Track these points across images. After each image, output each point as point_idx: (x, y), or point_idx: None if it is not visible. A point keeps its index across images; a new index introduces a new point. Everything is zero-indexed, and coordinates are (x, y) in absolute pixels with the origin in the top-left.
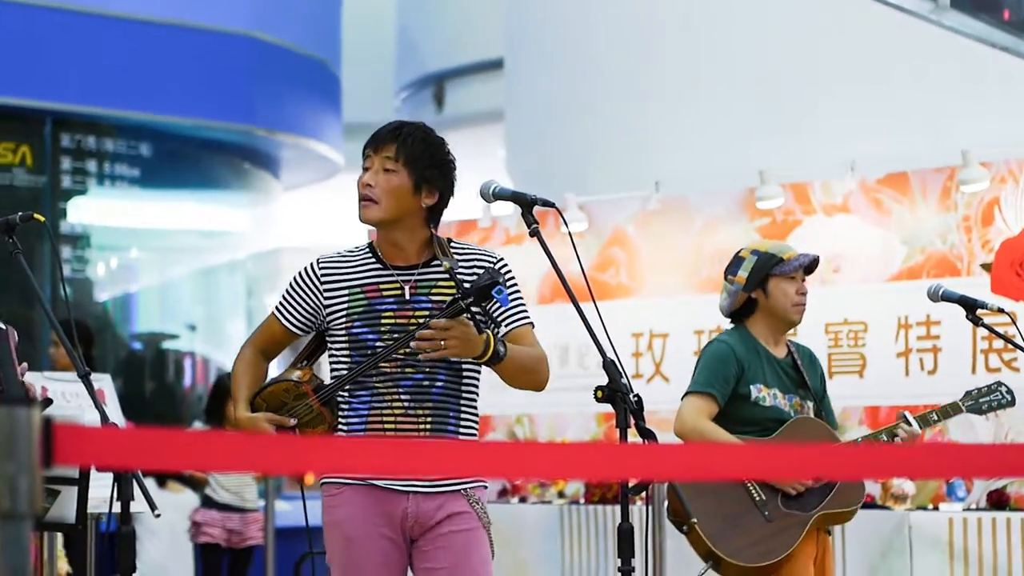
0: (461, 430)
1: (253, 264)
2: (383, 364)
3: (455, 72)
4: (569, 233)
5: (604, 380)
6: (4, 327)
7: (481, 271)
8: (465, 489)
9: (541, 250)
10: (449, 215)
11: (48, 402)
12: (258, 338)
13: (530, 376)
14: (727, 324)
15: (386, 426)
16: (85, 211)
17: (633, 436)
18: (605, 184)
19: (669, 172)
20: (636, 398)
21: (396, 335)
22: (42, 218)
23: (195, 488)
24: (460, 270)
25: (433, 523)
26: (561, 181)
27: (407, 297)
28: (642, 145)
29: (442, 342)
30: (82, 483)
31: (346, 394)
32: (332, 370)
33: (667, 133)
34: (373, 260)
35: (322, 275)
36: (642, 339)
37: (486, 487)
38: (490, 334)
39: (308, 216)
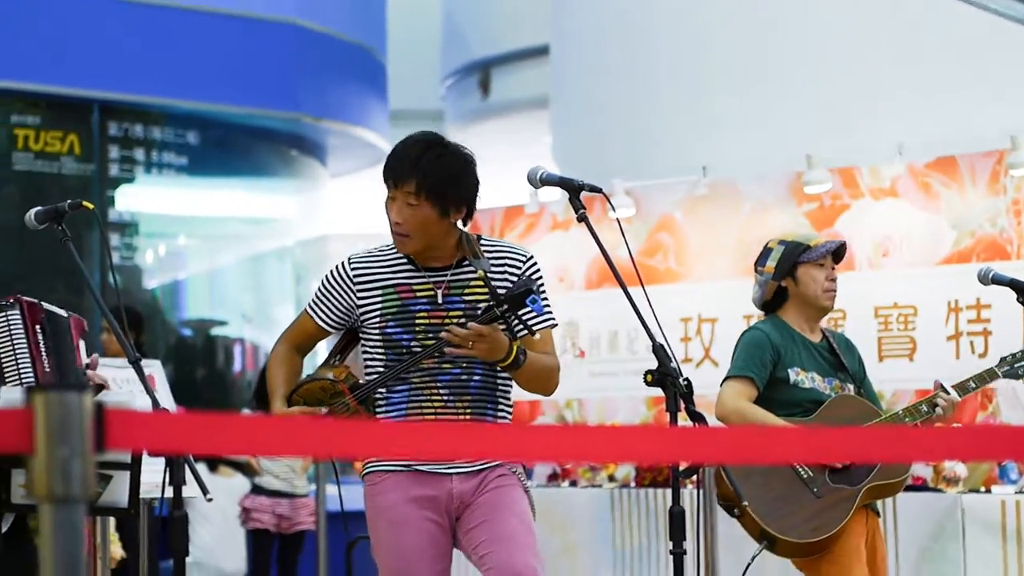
0: (499, 420)
1: (301, 251)
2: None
3: (501, 59)
4: (617, 219)
5: (653, 364)
6: (67, 315)
7: (512, 267)
8: (504, 463)
9: (589, 235)
10: (496, 201)
11: (101, 388)
12: (292, 335)
13: (540, 384)
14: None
15: (426, 419)
16: (133, 199)
17: (683, 420)
18: (652, 169)
19: (717, 157)
20: (686, 382)
21: (430, 335)
22: (91, 206)
23: (246, 473)
24: (491, 271)
25: (474, 493)
26: (608, 167)
27: (440, 300)
28: (690, 130)
29: (470, 344)
30: (134, 468)
31: (383, 390)
32: (366, 366)
33: (715, 118)
34: (405, 260)
35: (354, 275)
36: (691, 324)
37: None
38: (517, 344)
39: (355, 203)
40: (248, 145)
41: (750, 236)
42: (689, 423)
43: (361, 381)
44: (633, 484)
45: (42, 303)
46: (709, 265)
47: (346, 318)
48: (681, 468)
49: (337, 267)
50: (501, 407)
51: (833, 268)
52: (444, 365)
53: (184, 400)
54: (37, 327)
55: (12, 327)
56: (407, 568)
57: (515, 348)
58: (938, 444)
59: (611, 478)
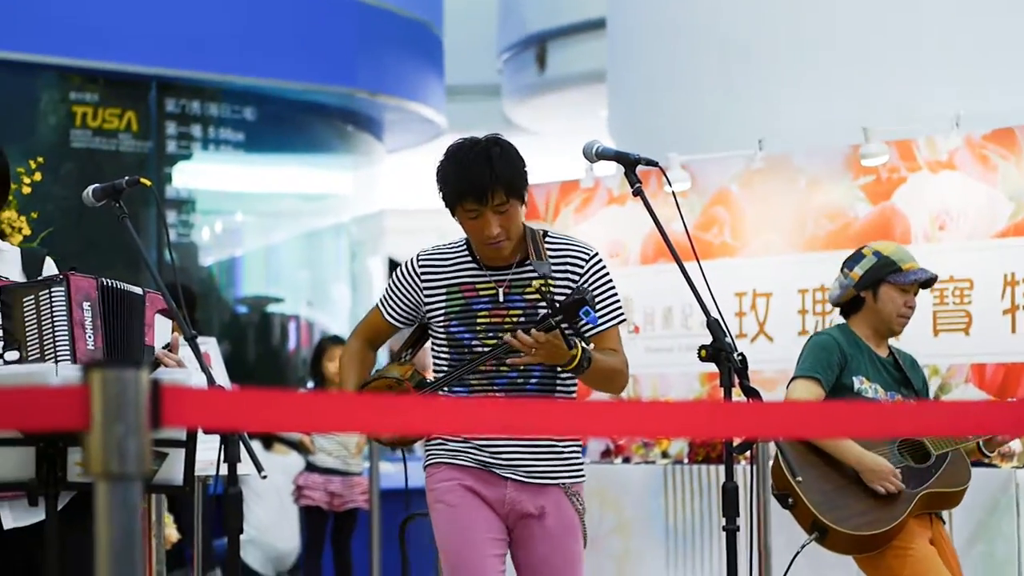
0: None
1: (357, 227)
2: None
3: (557, 32)
4: (672, 192)
5: (708, 339)
6: (141, 292)
7: (574, 266)
8: (564, 484)
9: (644, 210)
10: (552, 175)
11: (156, 364)
12: (363, 329)
13: (607, 385)
14: (830, 281)
15: None
16: (190, 176)
17: (737, 395)
18: (708, 143)
19: (773, 130)
20: (740, 357)
21: (491, 334)
22: (149, 182)
23: (299, 451)
24: (552, 272)
25: (529, 512)
26: (664, 140)
27: (501, 299)
28: (745, 103)
29: (532, 351)
30: (189, 445)
31: (445, 390)
32: (434, 362)
33: (770, 91)
34: (469, 259)
35: (421, 272)
36: (745, 298)
37: (583, 478)
38: (580, 349)
39: (411, 179)
40: (304, 121)
41: (806, 210)
42: (743, 398)
43: (428, 377)
44: (686, 460)
45: (106, 280)
46: (765, 239)
47: (414, 314)
48: (735, 444)
49: (406, 264)
50: None
51: (915, 296)
52: (501, 368)
53: (239, 378)
54: (85, 304)
55: (54, 303)
56: (465, 547)
57: (579, 353)
58: (988, 418)
59: (664, 454)
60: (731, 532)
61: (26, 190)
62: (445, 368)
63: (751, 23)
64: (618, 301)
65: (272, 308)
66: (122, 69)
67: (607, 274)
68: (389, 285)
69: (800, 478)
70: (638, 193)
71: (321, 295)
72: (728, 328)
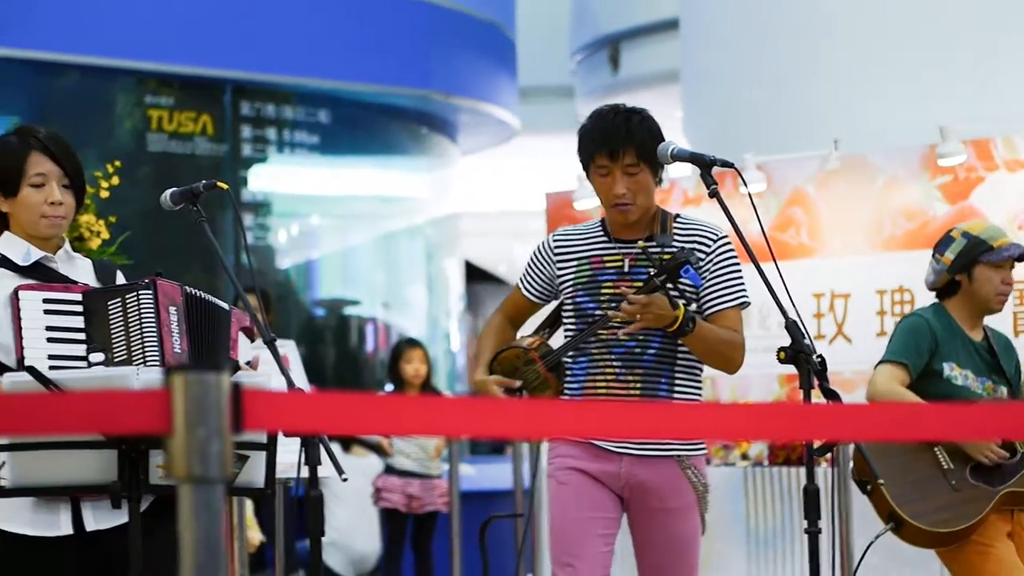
0: (675, 394)
1: (432, 229)
2: (600, 332)
3: (630, 33)
4: (748, 193)
5: (786, 341)
6: (228, 308)
7: (702, 246)
8: (680, 456)
9: (720, 211)
10: None
11: (236, 368)
12: (505, 306)
13: (720, 356)
14: (908, 281)
15: (599, 391)
16: (265, 179)
17: (816, 397)
18: (783, 143)
19: (848, 130)
20: (819, 358)
21: (614, 305)
22: (225, 186)
23: (378, 454)
24: (673, 243)
25: (644, 490)
26: (739, 141)
27: (626, 269)
28: (821, 103)
29: (638, 316)
30: (270, 448)
31: (570, 361)
32: (565, 335)
33: (846, 91)
34: (601, 233)
35: (555, 247)
36: (823, 299)
37: (704, 453)
38: (683, 310)
39: (485, 180)
40: (379, 123)
41: (883, 210)
42: (823, 400)
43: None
44: (766, 462)
45: (190, 288)
46: (842, 240)
47: (548, 288)
48: (815, 446)
49: (544, 240)
50: (679, 383)
51: (1011, 271)
52: (621, 338)
53: (316, 380)
54: (171, 308)
55: (143, 308)
56: (569, 525)
57: (681, 314)
58: None
59: (744, 456)
60: (813, 535)
61: (104, 194)
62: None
63: (825, 22)
64: (741, 284)
65: (349, 311)
66: (197, 73)
67: (733, 257)
68: (528, 262)
69: (882, 480)
70: (714, 195)
71: (397, 297)
72: (806, 329)
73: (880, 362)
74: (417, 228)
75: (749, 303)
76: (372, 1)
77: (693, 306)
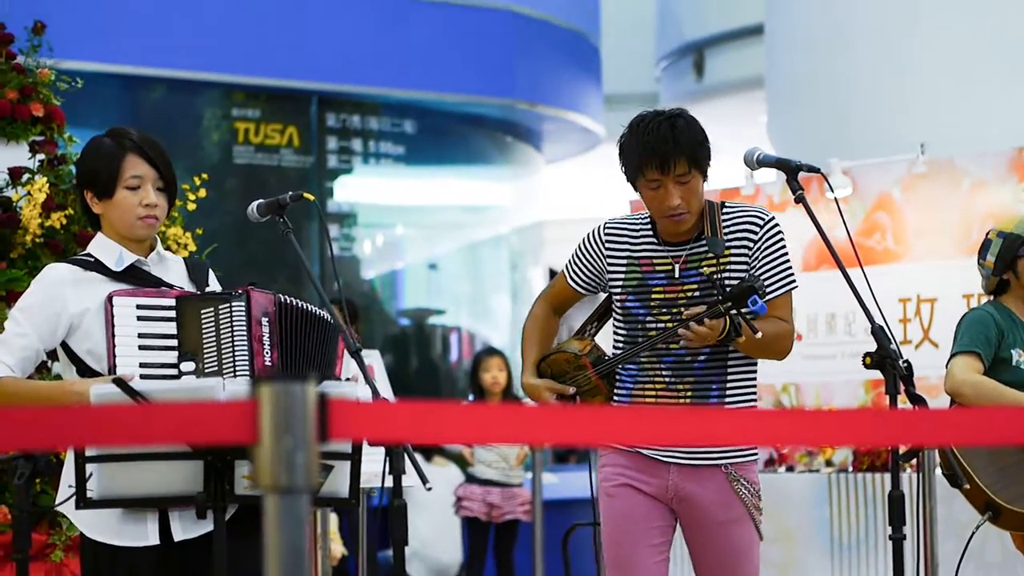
0: (727, 401)
1: (517, 238)
2: (649, 337)
3: (715, 39)
4: (835, 199)
5: (872, 346)
6: (333, 320)
7: (750, 232)
8: (725, 466)
9: (806, 216)
10: (712, 183)
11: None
12: (549, 295)
13: (769, 351)
14: None
15: (647, 399)
16: (351, 189)
17: (903, 403)
18: (869, 148)
19: (934, 134)
20: (905, 364)
21: (664, 310)
22: (312, 197)
23: (459, 464)
24: (727, 243)
25: (693, 502)
26: (824, 146)
27: (676, 275)
28: (906, 107)
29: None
30: (355, 458)
31: (619, 367)
32: (614, 337)
33: (931, 94)
34: (651, 234)
35: (606, 240)
36: (910, 304)
37: (756, 459)
38: (729, 319)
39: (570, 188)
40: (464, 133)
41: (970, 214)
42: (909, 406)
43: (608, 354)
44: (851, 469)
45: (284, 296)
46: (928, 245)
47: (597, 280)
48: (901, 452)
49: (594, 230)
50: (731, 390)
51: None
52: (671, 346)
53: (402, 390)
54: (264, 319)
55: (235, 319)
56: (621, 538)
57: (727, 325)
58: None
59: (828, 463)
60: (898, 541)
61: (191, 207)
62: (621, 344)
63: (910, 25)
64: (789, 268)
65: (433, 320)
66: (283, 85)
67: (781, 240)
68: (575, 251)
69: (968, 486)
70: (800, 200)
71: (482, 307)
72: (892, 335)
73: (953, 355)
74: (501, 237)
75: (797, 285)
76: (457, 11)
77: None
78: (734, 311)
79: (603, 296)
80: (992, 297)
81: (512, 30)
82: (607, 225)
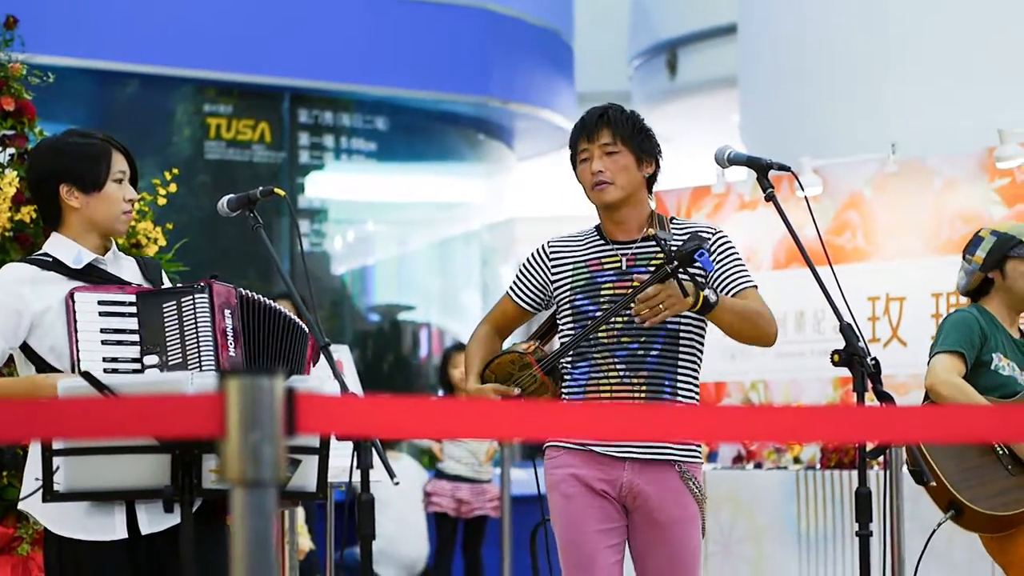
0: (678, 397)
1: (488, 235)
2: (600, 335)
3: (688, 38)
4: (805, 197)
5: (840, 344)
6: (298, 322)
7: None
8: (678, 463)
9: (776, 215)
10: (683, 181)
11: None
12: (493, 316)
13: (752, 326)
14: None
15: (602, 395)
16: (322, 185)
17: (870, 400)
18: (840, 147)
19: (905, 134)
20: (873, 361)
21: (614, 305)
22: (283, 192)
23: (428, 459)
24: (673, 240)
25: (647, 500)
26: (796, 145)
27: (624, 268)
28: (877, 107)
29: (660, 306)
30: (323, 452)
31: (568, 365)
32: (560, 344)
33: (903, 94)
34: (598, 238)
35: (551, 253)
36: (879, 303)
37: (701, 463)
38: (698, 287)
39: (542, 186)
40: (435, 130)
41: (940, 214)
42: (876, 403)
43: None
44: (819, 466)
45: (244, 290)
46: (898, 244)
47: (542, 296)
48: (868, 449)
49: (537, 248)
50: (681, 385)
51: None
52: (622, 339)
53: (371, 385)
54: (226, 311)
55: (198, 312)
56: (579, 539)
57: (701, 292)
58: None
59: (796, 460)
60: (864, 537)
61: (161, 201)
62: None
63: (882, 26)
64: (747, 270)
65: (403, 316)
66: (255, 81)
67: (733, 249)
68: (519, 270)
69: (933, 483)
70: (770, 198)
71: (452, 303)
72: (861, 332)
73: (935, 353)
74: (473, 234)
75: (757, 286)
76: (429, 8)
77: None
78: (682, 271)
79: (547, 314)
80: (969, 300)
81: (485, 28)
82: (550, 242)
